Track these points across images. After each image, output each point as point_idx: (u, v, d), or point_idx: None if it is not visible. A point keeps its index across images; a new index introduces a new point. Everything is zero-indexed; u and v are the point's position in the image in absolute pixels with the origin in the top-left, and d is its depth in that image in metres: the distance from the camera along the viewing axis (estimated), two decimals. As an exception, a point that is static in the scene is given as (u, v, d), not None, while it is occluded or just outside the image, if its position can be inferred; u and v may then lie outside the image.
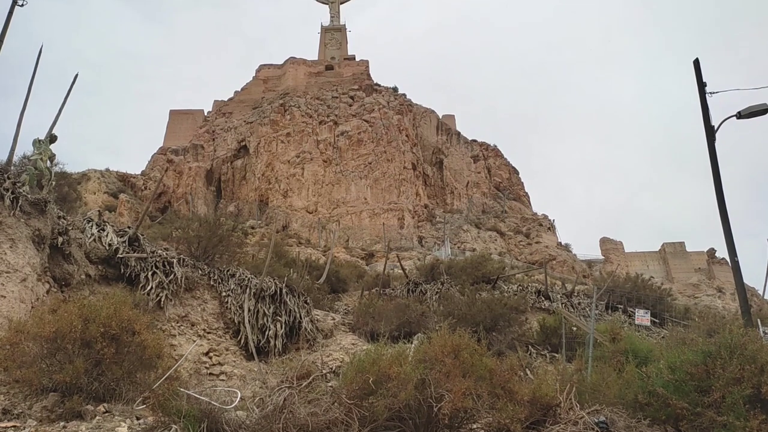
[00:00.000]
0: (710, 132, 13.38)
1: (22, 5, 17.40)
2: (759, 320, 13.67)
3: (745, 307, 13.06)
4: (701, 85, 13.79)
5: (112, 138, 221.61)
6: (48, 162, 13.29)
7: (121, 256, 13.96)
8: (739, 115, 13.30)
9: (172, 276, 14.51)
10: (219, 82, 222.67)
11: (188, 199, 75.46)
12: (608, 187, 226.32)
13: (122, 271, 13.96)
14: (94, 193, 66.50)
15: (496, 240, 74.11)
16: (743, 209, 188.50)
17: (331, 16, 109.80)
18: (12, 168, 12.75)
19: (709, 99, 14.02)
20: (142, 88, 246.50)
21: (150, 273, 14.17)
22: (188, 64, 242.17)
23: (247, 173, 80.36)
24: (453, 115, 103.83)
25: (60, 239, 12.45)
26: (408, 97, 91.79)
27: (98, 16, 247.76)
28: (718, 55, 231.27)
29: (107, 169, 76.10)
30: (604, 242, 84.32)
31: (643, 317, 19.78)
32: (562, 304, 25.04)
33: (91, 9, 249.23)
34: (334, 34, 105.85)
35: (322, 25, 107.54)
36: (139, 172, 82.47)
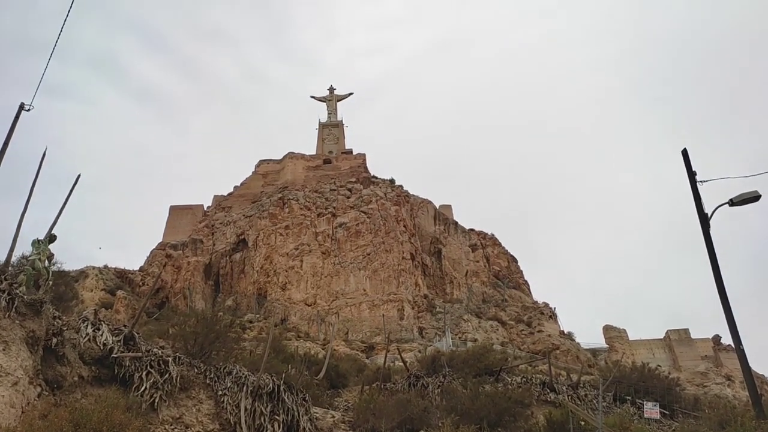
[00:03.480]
0: (704, 220, 13.53)
1: (29, 110, 18.01)
2: (771, 410, 13.25)
3: (756, 397, 12.70)
4: (691, 174, 14.08)
5: (115, 234, 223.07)
6: (46, 261, 13.31)
7: (115, 355, 13.70)
8: (732, 203, 13.48)
9: (167, 375, 14.18)
10: (220, 177, 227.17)
11: (186, 294, 74.93)
12: (609, 273, 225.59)
13: (116, 371, 13.65)
14: (92, 291, 66.10)
15: (497, 329, 73.07)
16: (748, 292, 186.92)
17: (329, 113, 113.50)
18: (9, 268, 12.75)
19: (701, 187, 14.27)
20: (147, 183, 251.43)
21: (144, 373, 13.86)
22: (191, 160, 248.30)
23: (245, 266, 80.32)
24: (450, 205, 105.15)
25: (54, 340, 12.25)
26: (405, 188, 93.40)
27: (112, 115, 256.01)
28: (715, 140, 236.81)
29: (105, 266, 76.05)
30: (608, 330, 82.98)
31: (651, 410, 19.18)
32: (568, 396, 24.33)
33: (104, 109, 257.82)
34: (331, 129, 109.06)
35: (320, 122, 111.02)
36: (138, 268, 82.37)
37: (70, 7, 14.51)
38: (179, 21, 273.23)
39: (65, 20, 15.01)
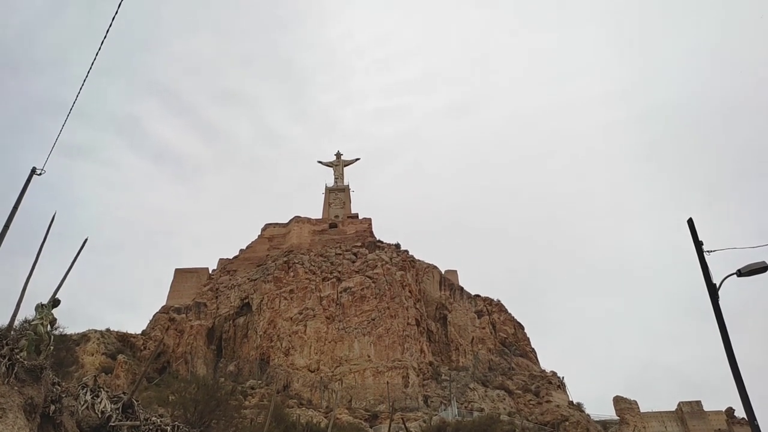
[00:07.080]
0: (713, 290, 13.39)
1: (40, 174, 18.34)
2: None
3: (774, 476, 12.23)
4: (698, 244, 14.03)
5: (121, 295, 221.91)
6: (48, 326, 13.20)
7: (113, 424, 13.39)
8: (740, 273, 13.38)
9: (165, 446, 13.84)
10: (227, 239, 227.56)
11: (187, 359, 73.91)
12: (620, 341, 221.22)
13: (113, 440, 13.31)
14: (92, 355, 65.24)
15: (504, 399, 71.30)
16: (763, 363, 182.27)
17: (336, 178, 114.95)
18: (12, 333, 12.64)
19: (708, 256, 14.18)
20: (155, 245, 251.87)
21: (142, 442, 13.53)
22: (201, 222, 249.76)
23: (248, 331, 79.50)
24: (455, 270, 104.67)
25: (52, 407, 12.00)
26: (410, 253, 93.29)
27: (128, 176, 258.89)
28: (728, 205, 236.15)
29: (107, 329, 75.17)
30: (618, 401, 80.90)
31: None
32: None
33: (122, 170, 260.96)
34: (338, 194, 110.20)
35: (326, 186, 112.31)
36: (140, 332, 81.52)
37: (87, 74, 14.99)
38: (201, 83, 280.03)
39: (81, 86, 15.46)
